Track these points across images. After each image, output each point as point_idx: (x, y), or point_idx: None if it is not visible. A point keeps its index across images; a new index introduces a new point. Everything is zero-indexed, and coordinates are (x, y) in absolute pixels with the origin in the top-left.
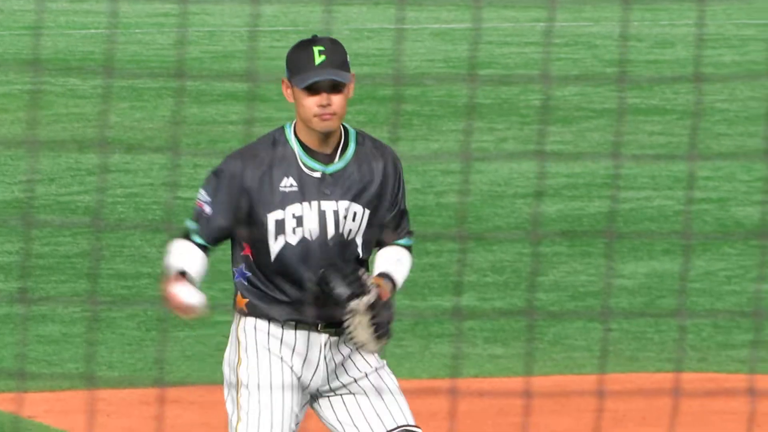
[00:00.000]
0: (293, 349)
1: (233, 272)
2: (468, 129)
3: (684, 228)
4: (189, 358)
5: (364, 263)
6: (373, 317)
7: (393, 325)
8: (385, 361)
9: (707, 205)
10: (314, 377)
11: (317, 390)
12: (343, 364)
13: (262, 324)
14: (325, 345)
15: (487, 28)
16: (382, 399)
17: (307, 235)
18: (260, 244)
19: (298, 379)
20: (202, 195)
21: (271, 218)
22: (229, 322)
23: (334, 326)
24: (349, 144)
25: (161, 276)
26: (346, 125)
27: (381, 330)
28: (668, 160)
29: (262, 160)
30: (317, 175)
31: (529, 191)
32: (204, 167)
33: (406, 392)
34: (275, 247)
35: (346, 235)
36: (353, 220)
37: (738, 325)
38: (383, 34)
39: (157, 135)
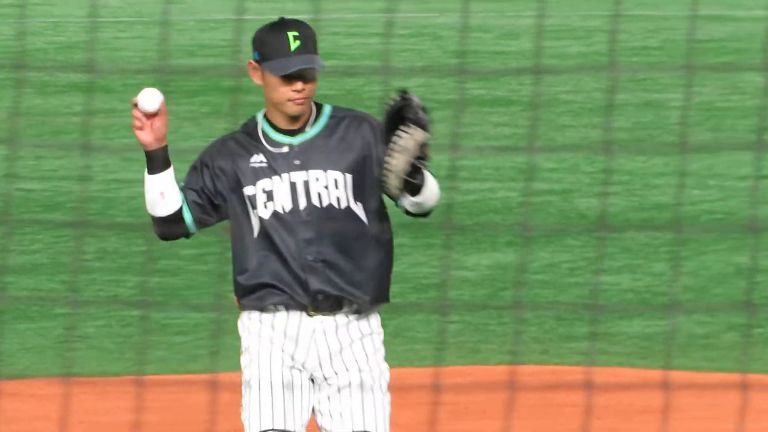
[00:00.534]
0: (285, 333)
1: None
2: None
3: (525, 219)
4: (28, 350)
5: (376, 236)
6: (418, 157)
7: (418, 178)
8: (383, 350)
9: (551, 196)
10: (308, 360)
11: (312, 375)
12: (340, 353)
13: (255, 314)
14: (317, 329)
15: (332, 19)
16: (362, 398)
17: (278, 209)
18: (240, 227)
19: (295, 362)
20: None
21: (245, 194)
22: (68, 315)
23: (325, 309)
24: (321, 117)
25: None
26: (320, 103)
27: (415, 171)
28: (512, 151)
29: (233, 145)
30: (285, 149)
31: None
32: (47, 158)
33: None
34: (255, 223)
35: (327, 204)
36: (336, 187)
37: (580, 318)
38: (228, 25)
39: None
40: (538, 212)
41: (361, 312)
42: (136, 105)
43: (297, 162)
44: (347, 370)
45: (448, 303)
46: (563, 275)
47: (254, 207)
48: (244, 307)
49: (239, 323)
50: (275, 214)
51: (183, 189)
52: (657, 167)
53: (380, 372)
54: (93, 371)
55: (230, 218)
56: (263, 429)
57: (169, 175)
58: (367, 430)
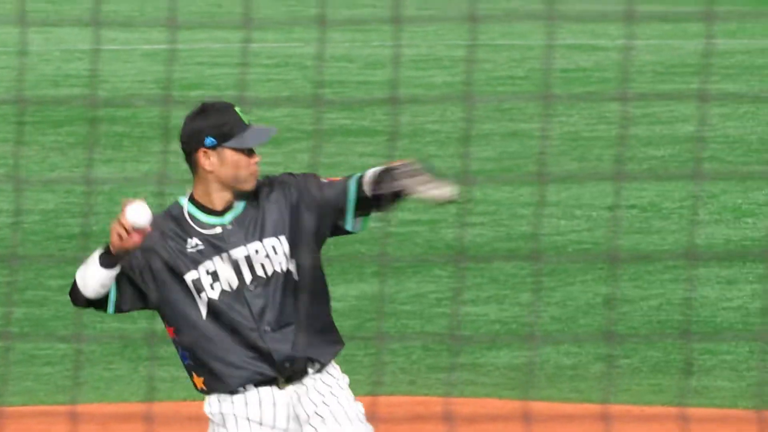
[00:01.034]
0: (260, 407)
1: (180, 358)
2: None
3: (391, 250)
4: None
5: (318, 287)
6: (425, 181)
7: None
8: (347, 381)
9: (418, 227)
10: (289, 425)
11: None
12: (316, 413)
13: (224, 396)
14: (292, 399)
15: (197, 49)
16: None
17: (225, 287)
18: (184, 314)
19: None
20: None
21: (188, 279)
22: None
23: (294, 380)
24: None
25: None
26: None
27: (432, 178)
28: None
29: (165, 232)
30: (218, 230)
31: None
32: None
33: (133, 418)
34: (202, 307)
35: (272, 272)
36: (275, 253)
37: (448, 348)
38: (94, 56)
39: None
40: (405, 242)
41: (323, 367)
42: (123, 218)
43: (234, 239)
44: (318, 401)
45: None
46: (430, 305)
47: (200, 291)
48: (211, 391)
49: (207, 407)
50: (223, 293)
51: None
52: (524, 197)
53: (356, 411)
54: None
55: (165, 310)
56: None
57: (116, 270)
58: None
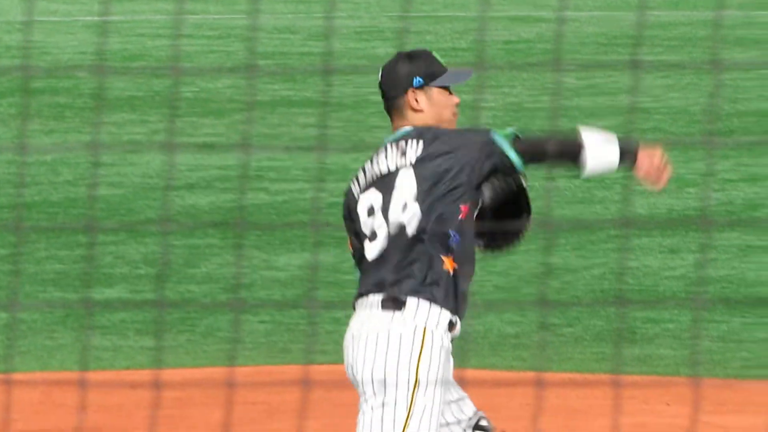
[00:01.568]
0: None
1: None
2: (121, 121)
3: (316, 221)
4: None
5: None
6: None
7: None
8: None
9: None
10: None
11: None
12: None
13: (444, 319)
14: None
15: (139, 20)
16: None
17: None
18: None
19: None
20: None
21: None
22: None
23: None
24: None
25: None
26: None
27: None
28: (321, 151)
29: None
30: None
31: (181, 183)
32: None
33: (51, 384)
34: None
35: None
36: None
37: None
38: (34, 27)
39: None
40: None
41: None
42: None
43: None
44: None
45: (258, 303)
46: None
47: None
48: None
49: (428, 324)
50: None
51: None
52: None
53: None
54: None
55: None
56: None
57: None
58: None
